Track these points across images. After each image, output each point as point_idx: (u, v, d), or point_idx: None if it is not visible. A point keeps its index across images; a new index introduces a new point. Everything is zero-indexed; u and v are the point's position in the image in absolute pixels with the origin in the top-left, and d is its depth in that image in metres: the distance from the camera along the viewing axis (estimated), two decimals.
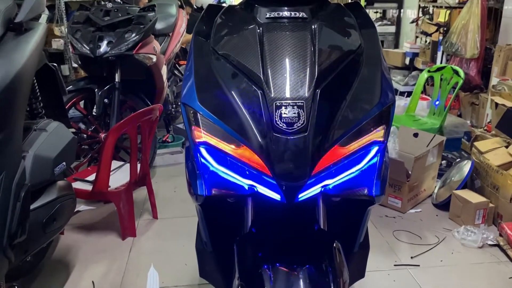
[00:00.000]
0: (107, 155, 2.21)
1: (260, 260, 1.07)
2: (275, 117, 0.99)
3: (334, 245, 1.12)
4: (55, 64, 2.12)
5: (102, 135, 2.89)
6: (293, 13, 1.16)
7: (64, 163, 1.77)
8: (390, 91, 1.10)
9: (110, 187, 2.36)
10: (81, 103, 2.97)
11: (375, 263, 2.16)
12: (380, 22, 6.32)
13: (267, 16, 1.17)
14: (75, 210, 2.68)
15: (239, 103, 1.04)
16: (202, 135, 1.05)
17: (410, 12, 5.68)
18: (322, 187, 1.05)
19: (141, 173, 2.51)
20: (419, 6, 5.08)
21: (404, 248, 2.31)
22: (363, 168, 1.07)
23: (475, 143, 2.76)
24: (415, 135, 2.93)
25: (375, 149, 1.06)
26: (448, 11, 4.13)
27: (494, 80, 3.49)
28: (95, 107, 2.86)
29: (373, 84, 1.09)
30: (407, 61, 5.06)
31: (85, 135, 2.95)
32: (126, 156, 3.04)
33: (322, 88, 1.03)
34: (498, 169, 2.46)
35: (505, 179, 2.39)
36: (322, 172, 1.02)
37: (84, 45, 2.73)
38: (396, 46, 6.01)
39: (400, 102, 4.17)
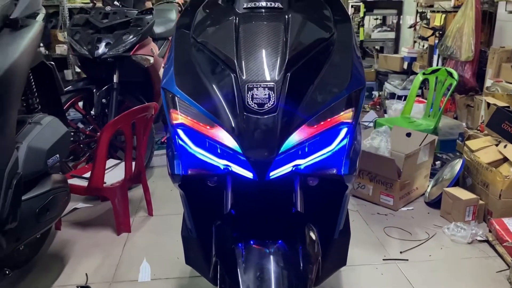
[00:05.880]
0: (102, 151, 2.27)
1: (235, 239, 1.11)
2: (247, 98, 1.04)
3: (307, 226, 1.16)
4: (52, 63, 2.19)
5: None
6: (269, 3, 1.22)
7: (57, 155, 1.83)
8: (360, 77, 1.15)
9: (105, 183, 2.41)
10: (80, 104, 3.04)
11: (364, 258, 2.19)
12: (380, 29, 6.39)
13: (245, 6, 1.23)
14: (73, 207, 2.77)
15: (214, 85, 1.09)
16: (179, 117, 1.10)
17: (409, 18, 5.74)
18: (293, 166, 1.10)
19: (136, 170, 2.56)
20: (417, 12, 5.14)
21: (394, 244, 2.34)
22: (334, 150, 1.11)
23: (467, 142, 2.79)
24: (408, 134, 2.96)
25: (344, 131, 1.11)
26: (444, 15, 4.18)
27: (488, 82, 3.52)
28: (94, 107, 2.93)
29: (343, 70, 1.14)
30: (405, 66, 5.10)
31: (83, 135, 3.01)
32: (124, 156, 3.09)
33: (293, 71, 1.08)
34: (488, 166, 2.48)
35: (494, 176, 2.42)
36: (292, 150, 1.07)
37: (83, 46, 2.81)
38: (396, 51, 6.07)
39: (398, 106, 4.22)
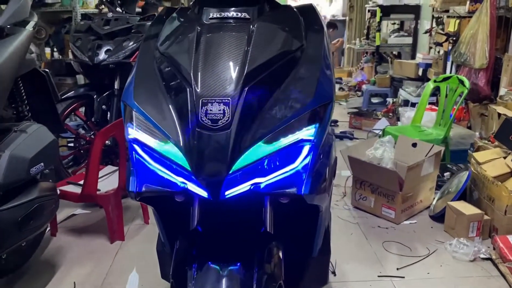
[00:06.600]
0: (94, 158, 2.26)
1: (192, 258, 1.07)
2: (201, 114, 0.99)
3: (272, 245, 1.11)
4: (46, 70, 2.20)
5: None
6: (235, 14, 1.17)
7: (42, 163, 1.82)
8: (327, 91, 1.09)
9: (100, 190, 2.40)
10: (82, 110, 3.05)
11: (358, 273, 2.10)
12: (397, 34, 6.25)
13: (211, 16, 1.18)
14: (71, 214, 2.77)
15: (170, 100, 1.05)
16: (134, 132, 1.07)
17: (426, 24, 5.59)
18: (252, 185, 1.04)
19: None
20: (433, 17, 5.00)
21: (392, 260, 2.25)
22: (297, 168, 1.06)
23: (474, 154, 2.67)
24: (414, 145, 2.86)
25: (306, 148, 1.05)
26: (458, 21, 4.05)
27: (502, 91, 3.38)
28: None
29: (307, 84, 1.08)
30: (420, 72, 4.96)
31: (84, 141, 3.02)
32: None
33: (251, 86, 1.03)
34: (494, 180, 2.37)
35: (500, 190, 2.30)
36: (247, 168, 1.01)
37: (84, 52, 2.82)
38: (413, 57, 5.91)
39: (411, 114, 4.09)
